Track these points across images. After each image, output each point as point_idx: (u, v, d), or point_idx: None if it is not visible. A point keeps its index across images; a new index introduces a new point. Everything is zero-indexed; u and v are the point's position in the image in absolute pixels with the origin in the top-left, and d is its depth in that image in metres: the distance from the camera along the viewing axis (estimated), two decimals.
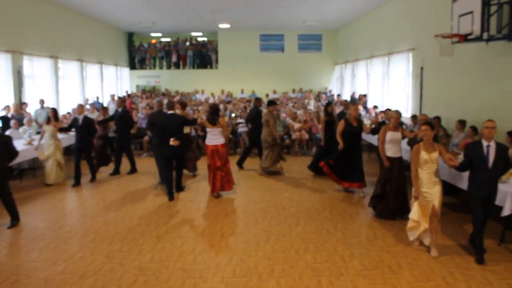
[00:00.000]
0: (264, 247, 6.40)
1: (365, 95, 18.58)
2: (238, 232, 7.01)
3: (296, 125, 14.32)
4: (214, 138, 9.01)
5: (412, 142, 7.60)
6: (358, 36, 20.59)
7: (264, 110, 11.93)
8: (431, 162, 6.11)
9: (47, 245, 6.54)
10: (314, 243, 6.52)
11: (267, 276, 5.44)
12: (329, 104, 11.21)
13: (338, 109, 14.62)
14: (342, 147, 9.15)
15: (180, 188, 9.68)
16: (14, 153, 7.61)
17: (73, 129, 10.65)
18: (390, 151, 7.67)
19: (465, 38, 9.13)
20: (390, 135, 7.66)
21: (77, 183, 10.31)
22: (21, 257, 6.14)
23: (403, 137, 7.91)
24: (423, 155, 6.12)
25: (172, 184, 9.16)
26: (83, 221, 7.69)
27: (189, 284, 5.25)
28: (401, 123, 10.58)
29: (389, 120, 7.89)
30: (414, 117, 12.37)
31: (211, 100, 21.08)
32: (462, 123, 9.94)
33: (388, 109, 11.27)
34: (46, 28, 15.44)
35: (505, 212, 6.07)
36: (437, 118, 10.43)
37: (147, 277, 5.45)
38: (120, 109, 11.38)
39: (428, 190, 6.13)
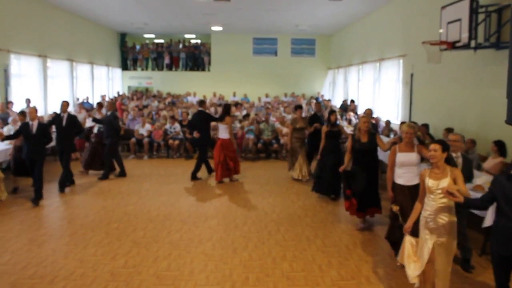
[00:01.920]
0: (241, 254, 6.28)
1: (353, 101, 18.54)
2: (216, 238, 6.89)
3: (285, 130, 14.19)
4: (222, 133, 10.55)
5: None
6: (350, 41, 20.57)
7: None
8: (437, 192, 4.53)
9: (20, 248, 6.40)
10: (293, 251, 6.41)
11: (241, 285, 5.33)
12: (333, 112, 9.47)
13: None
14: (344, 168, 7.55)
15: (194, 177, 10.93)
16: None
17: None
18: (402, 178, 5.98)
19: (453, 45, 9.08)
20: (401, 156, 5.96)
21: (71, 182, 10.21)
22: None
23: (423, 158, 6.07)
24: (428, 181, 4.61)
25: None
26: (61, 224, 7.57)
27: None
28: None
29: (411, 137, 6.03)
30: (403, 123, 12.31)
31: None
32: (449, 131, 9.87)
33: (403, 122, 9.70)
34: (35, 27, 15.29)
35: (487, 223, 5.97)
36: (425, 126, 10.34)
37: (118, 282, 5.32)
38: (65, 115, 9.89)
39: (427, 232, 4.64)
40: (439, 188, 4.50)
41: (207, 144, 11.33)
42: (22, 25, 14.43)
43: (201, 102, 11.90)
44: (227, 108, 10.80)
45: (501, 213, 4.16)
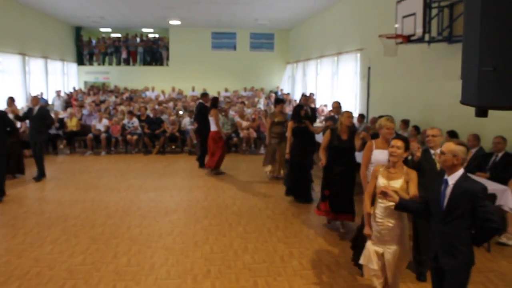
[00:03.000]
0: (202, 247, 6.24)
1: (312, 94, 18.69)
2: (176, 232, 6.81)
3: (244, 123, 14.21)
4: (211, 125, 10.78)
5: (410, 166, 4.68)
6: (309, 36, 20.72)
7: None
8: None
9: None
10: (254, 243, 6.41)
11: (203, 277, 5.29)
12: (301, 107, 8.85)
13: (288, 108, 14.60)
14: (324, 164, 6.88)
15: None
16: None
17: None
18: None
19: (408, 39, 9.27)
20: (378, 154, 5.43)
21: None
22: None
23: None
24: (379, 180, 4.32)
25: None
26: (15, 222, 7.30)
27: (120, 287, 5.03)
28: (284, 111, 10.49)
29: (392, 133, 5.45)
30: (361, 116, 12.51)
31: (161, 98, 20.72)
32: (405, 123, 10.10)
33: (380, 116, 7.34)
34: None
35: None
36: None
37: (76, 280, 5.19)
38: (36, 108, 10.15)
39: (379, 235, 4.37)
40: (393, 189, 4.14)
41: (205, 134, 11.16)
42: None
43: (203, 95, 12.01)
44: (214, 101, 10.96)
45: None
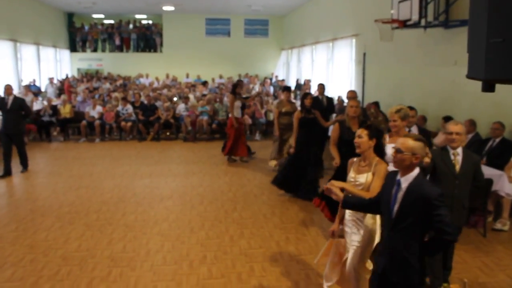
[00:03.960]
0: (198, 233, 6.20)
1: (309, 80, 18.59)
2: (172, 219, 6.77)
3: None
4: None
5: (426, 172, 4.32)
6: (303, 22, 20.58)
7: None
8: (355, 186, 3.90)
9: None
10: (250, 229, 6.39)
11: (199, 263, 5.26)
12: (307, 95, 8.02)
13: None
14: (338, 163, 6.04)
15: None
16: None
17: None
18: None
19: (404, 24, 9.19)
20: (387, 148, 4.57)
21: (6, 173, 9.21)
22: None
23: None
24: (350, 175, 4.03)
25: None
26: (8, 210, 7.25)
27: (115, 273, 5.00)
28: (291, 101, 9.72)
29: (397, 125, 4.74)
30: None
31: (155, 85, 20.57)
32: (424, 118, 9.80)
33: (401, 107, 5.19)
34: None
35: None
36: (375, 104, 10.39)
37: (71, 267, 5.15)
38: (10, 97, 9.37)
39: (347, 228, 4.08)
40: (357, 183, 3.90)
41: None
42: None
43: (235, 85, 10.75)
44: (233, 86, 10.68)
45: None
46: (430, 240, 3.07)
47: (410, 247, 3.03)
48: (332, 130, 6.21)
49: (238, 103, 10.45)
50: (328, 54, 16.83)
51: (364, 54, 13.14)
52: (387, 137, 4.79)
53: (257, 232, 6.27)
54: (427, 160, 4.16)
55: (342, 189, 3.62)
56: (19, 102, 9.47)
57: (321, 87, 11.15)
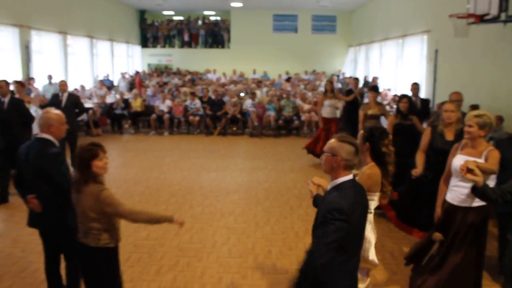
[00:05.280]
0: (263, 228, 6.24)
1: (376, 78, 18.20)
2: (238, 212, 6.86)
3: (306, 106, 14.07)
4: None
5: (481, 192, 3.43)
6: (372, 17, 20.15)
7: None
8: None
9: None
10: (276, 216, 6.45)
11: (264, 258, 5.30)
12: (403, 98, 6.99)
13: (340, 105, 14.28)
14: (418, 172, 5.27)
15: None
16: None
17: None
18: (453, 192, 4.06)
19: (481, 18, 8.77)
20: (460, 159, 3.93)
21: None
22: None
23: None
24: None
25: None
26: None
27: (182, 263, 5.13)
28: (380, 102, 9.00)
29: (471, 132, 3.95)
30: (426, 101, 12.06)
31: (222, 80, 20.88)
32: (474, 108, 9.57)
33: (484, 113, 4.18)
34: (55, 3, 15.27)
35: None
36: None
37: (141, 254, 5.35)
38: (65, 94, 8.97)
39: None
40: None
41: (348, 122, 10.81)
42: (42, 1, 14.42)
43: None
44: (325, 86, 10.33)
45: None
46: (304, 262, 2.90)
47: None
48: (424, 135, 5.50)
49: (328, 102, 9.95)
50: (397, 51, 16.39)
51: (436, 51, 12.67)
52: (459, 146, 4.17)
53: (284, 220, 6.35)
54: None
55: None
56: (73, 99, 9.23)
57: (416, 87, 9.77)
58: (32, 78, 13.33)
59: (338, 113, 9.58)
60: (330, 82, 10.46)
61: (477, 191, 3.36)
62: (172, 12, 26.32)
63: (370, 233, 3.76)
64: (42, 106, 8.80)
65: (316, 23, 24.47)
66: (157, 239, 5.79)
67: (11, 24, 12.70)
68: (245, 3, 21.64)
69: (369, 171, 3.67)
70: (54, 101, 8.92)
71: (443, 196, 4.22)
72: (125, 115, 14.48)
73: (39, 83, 13.71)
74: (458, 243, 3.93)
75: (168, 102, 14.29)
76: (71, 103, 8.99)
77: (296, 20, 24.50)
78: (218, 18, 26.26)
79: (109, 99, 15.15)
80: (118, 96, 15.07)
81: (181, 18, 26.41)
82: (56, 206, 3.86)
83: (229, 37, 25.04)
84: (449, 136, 5.03)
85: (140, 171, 9.33)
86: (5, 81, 7.42)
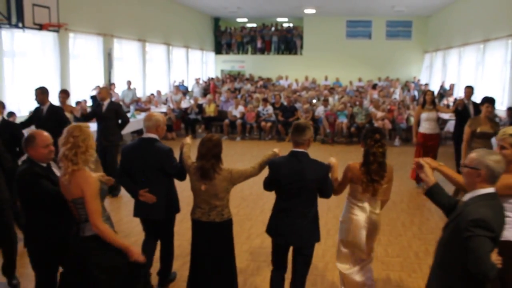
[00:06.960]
0: (334, 236, 6.19)
1: (453, 85, 17.53)
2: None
3: (379, 114, 13.79)
4: None
5: None
6: (450, 22, 19.48)
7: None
8: None
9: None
10: (387, 236, 6.24)
11: (333, 266, 5.25)
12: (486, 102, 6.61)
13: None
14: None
15: None
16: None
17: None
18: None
19: None
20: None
21: (117, 189, 7.92)
22: None
23: None
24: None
25: None
26: None
27: (253, 267, 5.29)
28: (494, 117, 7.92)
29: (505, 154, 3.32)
30: (510, 109, 11.47)
31: (294, 87, 20.93)
32: (489, 101, 7.10)
33: None
34: (135, 13, 16.01)
35: None
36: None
37: None
38: (105, 103, 7.98)
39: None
40: None
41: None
42: (123, 11, 15.19)
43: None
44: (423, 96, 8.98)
45: None
46: None
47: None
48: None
49: (426, 115, 8.49)
50: (477, 57, 15.71)
51: None
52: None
53: (395, 240, 6.09)
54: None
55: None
56: (114, 108, 8.06)
57: (469, 90, 9.29)
58: (113, 84, 14.02)
59: (437, 128, 8.58)
60: (431, 92, 8.83)
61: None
62: (245, 20, 26.77)
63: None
64: (83, 115, 8.30)
65: (391, 28, 23.99)
66: None
67: (96, 33, 13.46)
68: (318, 10, 21.60)
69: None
70: (96, 111, 8.22)
71: None
72: (198, 120, 14.89)
73: (119, 89, 14.39)
74: None
75: (241, 108, 14.53)
76: (111, 113, 7.94)
77: (370, 26, 24.16)
78: (291, 24, 26.40)
79: (184, 104, 15.64)
80: (192, 101, 15.53)
81: (254, 25, 26.80)
82: (166, 197, 4.79)
83: (301, 43, 25.10)
84: None
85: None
86: (41, 88, 7.25)
